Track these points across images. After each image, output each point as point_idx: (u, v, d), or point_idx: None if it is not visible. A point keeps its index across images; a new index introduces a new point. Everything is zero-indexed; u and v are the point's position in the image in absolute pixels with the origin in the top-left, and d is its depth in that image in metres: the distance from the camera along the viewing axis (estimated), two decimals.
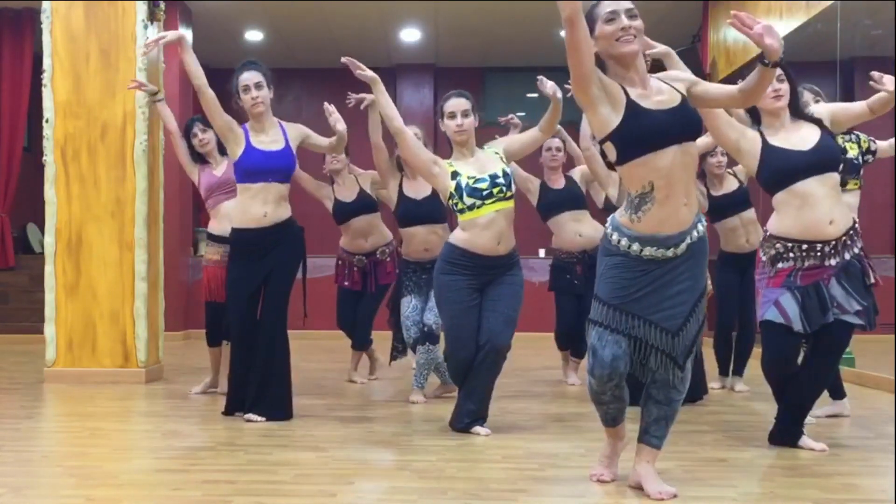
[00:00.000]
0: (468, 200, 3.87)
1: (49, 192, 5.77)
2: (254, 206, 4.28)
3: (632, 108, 2.76)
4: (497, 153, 4.03)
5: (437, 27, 9.96)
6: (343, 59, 4.11)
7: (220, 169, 5.14)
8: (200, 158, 5.22)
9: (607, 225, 2.95)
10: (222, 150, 4.97)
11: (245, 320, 4.33)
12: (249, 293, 4.33)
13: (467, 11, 9.26)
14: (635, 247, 2.83)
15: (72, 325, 5.76)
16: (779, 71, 3.49)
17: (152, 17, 5.94)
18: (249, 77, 4.28)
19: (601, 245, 2.97)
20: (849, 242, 3.53)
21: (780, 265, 3.55)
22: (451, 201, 3.92)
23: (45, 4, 5.84)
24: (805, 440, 3.66)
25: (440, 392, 5.12)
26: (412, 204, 4.94)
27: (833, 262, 3.50)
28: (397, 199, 4.99)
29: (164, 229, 6.23)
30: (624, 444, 3.12)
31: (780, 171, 3.51)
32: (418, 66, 11.25)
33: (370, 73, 4.12)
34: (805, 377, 3.61)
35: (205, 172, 5.20)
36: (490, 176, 3.90)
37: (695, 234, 2.86)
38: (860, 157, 4.38)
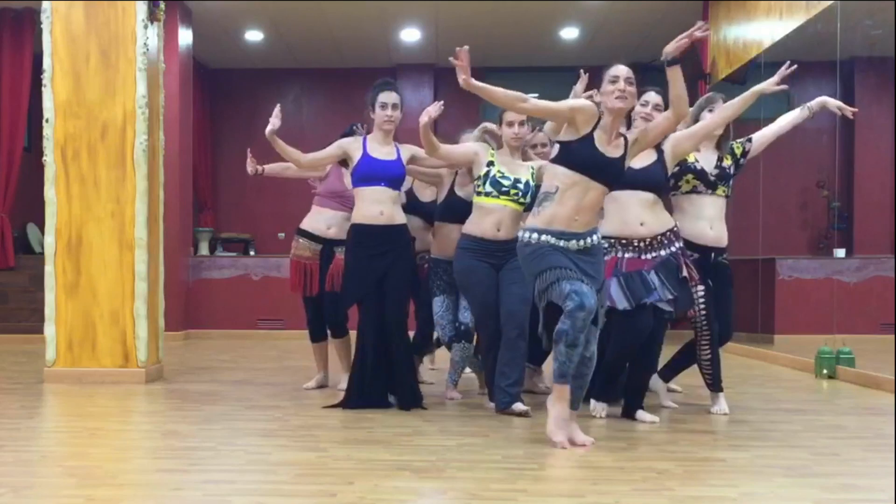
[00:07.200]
0: (488, 188, 4.52)
1: (49, 192, 5.77)
2: (371, 207, 4.68)
3: (588, 139, 3.67)
4: (532, 168, 4.60)
5: (437, 27, 9.96)
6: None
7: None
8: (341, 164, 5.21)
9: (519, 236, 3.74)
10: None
11: (375, 313, 4.64)
12: (374, 280, 4.63)
13: (467, 11, 9.26)
14: (535, 236, 3.66)
15: (72, 325, 5.76)
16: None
17: (152, 17, 5.94)
18: (391, 97, 4.77)
19: (519, 254, 3.73)
20: (665, 241, 4.23)
21: (606, 257, 4.15)
22: (476, 181, 4.58)
23: (45, 4, 5.83)
24: (640, 413, 4.30)
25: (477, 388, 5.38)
26: (461, 203, 4.87)
27: (649, 256, 4.21)
28: (446, 195, 5.00)
29: (164, 229, 6.22)
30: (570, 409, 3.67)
31: None
32: (418, 66, 11.25)
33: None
34: (634, 364, 4.34)
35: (339, 170, 5.33)
36: (514, 178, 4.53)
37: (587, 241, 3.69)
38: (733, 167, 4.58)
